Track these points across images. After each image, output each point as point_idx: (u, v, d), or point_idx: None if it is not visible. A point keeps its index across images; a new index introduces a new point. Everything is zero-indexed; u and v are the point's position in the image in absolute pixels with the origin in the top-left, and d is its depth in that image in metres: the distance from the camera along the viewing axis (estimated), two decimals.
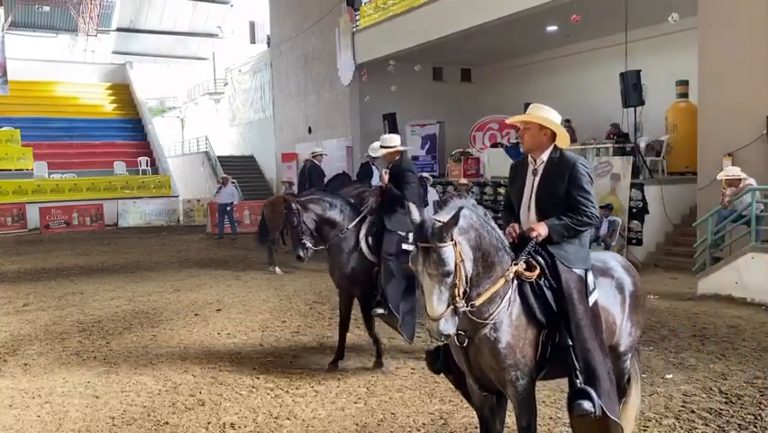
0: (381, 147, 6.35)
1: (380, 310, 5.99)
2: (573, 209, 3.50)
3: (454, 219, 2.97)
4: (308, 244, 6.09)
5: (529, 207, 3.64)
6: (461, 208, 3.05)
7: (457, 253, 3.00)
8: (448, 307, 2.99)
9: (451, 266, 2.97)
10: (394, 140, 6.38)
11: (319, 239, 6.18)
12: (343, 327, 6.29)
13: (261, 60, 28.24)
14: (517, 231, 3.57)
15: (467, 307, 3.11)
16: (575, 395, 3.29)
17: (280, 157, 25.29)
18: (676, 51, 14.10)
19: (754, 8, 10.19)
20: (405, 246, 5.94)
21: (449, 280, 2.98)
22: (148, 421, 5.05)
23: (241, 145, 31.08)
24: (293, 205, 6.06)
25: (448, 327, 2.99)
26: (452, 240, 2.99)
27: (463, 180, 11.90)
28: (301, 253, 6.09)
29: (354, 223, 6.18)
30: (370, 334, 6.36)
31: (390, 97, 18.81)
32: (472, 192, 12.01)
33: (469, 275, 3.12)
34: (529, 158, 3.70)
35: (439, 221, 3.01)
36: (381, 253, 5.97)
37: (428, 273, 3.00)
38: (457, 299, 3.00)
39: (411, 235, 5.87)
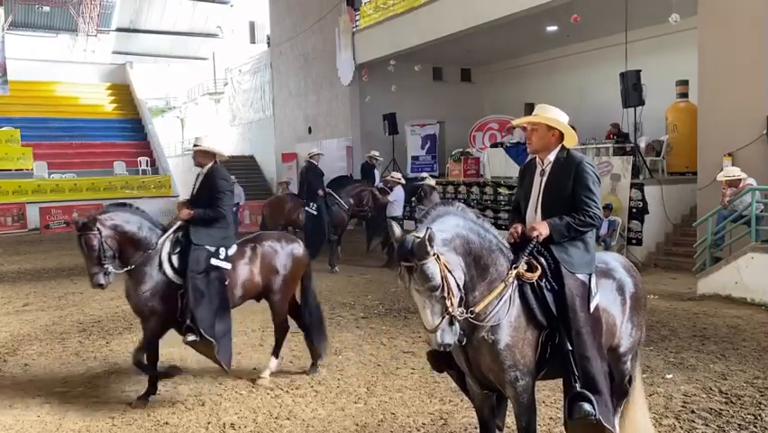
0: (194, 145, 5.72)
1: (192, 337, 5.19)
2: (576, 209, 3.50)
3: (428, 237, 2.95)
4: (110, 268, 5.14)
5: (536, 207, 3.64)
6: (429, 228, 3.01)
7: (441, 265, 3.00)
8: (443, 318, 3.00)
9: (436, 280, 2.97)
10: (205, 140, 5.74)
11: (121, 261, 5.28)
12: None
13: (261, 60, 28.23)
14: (519, 231, 3.57)
15: (467, 313, 3.13)
16: (575, 398, 3.29)
17: (280, 157, 25.29)
18: (676, 51, 14.10)
19: (753, 8, 10.18)
20: (214, 262, 5.35)
21: (437, 293, 2.99)
22: (148, 421, 5.06)
23: (241, 145, 31.07)
24: (91, 223, 5.10)
25: (446, 337, 3.02)
26: (433, 254, 2.98)
27: (430, 181, 11.85)
28: (102, 280, 5.11)
29: (161, 241, 5.37)
30: (149, 364, 5.51)
31: (390, 97, 18.82)
32: (438, 192, 11.87)
33: (461, 283, 3.12)
34: (537, 159, 3.72)
35: (418, 237, 2.99)
36: (188, 272, 5.23)
37: (416, 290, 3.02)
38: (451, 309, 3.01)
39: (222, 250, 5.39)
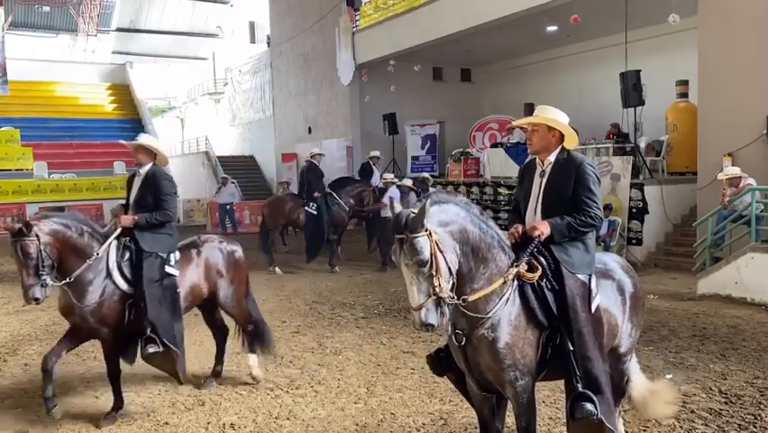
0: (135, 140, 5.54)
1: (154, 348, 4.85)
2: (577, 209, 3.51)
3: (422, 210, 3.01)
4: (48, 280, 4.68)
5: (536, 208, 3.64)
6: (424, 202, 3.09)
7: (432, 243, 3.03)
8: (429, 297, 3.01)
9: (425, 255, 2.99)
10: (149, 139, 5.55)
11: (59, 272, 4.86)
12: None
13: (261, 60, 28.23)
14: (520, 231, 3.58)
15: (458, 300, 3.13)
16: (577, 398, 3.29)
17: (280, 157, 25.30)
18: (676, 51, 14.11)
19: (753, 8, 10.19)
20: (168, 269, 5.09)
21: (425, 269, 3.01)
22: (148, 421, 5.06)
23: (241, 145, 31.07)
24: (28, 228, 4.62)
25: (430, 316, 3.01)
26: (425, 231, 3.02)
27: (407, 182, 12.01)
28: (38, 294, 4.66)
29: (102, 248, 4.96)
30: (114, 386, 5.16)
31: (390, 97, 18.82)
32: (413, 191, 11.96)
33: (454, 268, 3.13)
34: (537, 160, 3.72)
35: (414, 212, 3.05)
36: (143, 280, 4.91)
37: (405, 264, 3.04)
38: (438, 289, 3.02)
39: (173, 256, 5.13)
